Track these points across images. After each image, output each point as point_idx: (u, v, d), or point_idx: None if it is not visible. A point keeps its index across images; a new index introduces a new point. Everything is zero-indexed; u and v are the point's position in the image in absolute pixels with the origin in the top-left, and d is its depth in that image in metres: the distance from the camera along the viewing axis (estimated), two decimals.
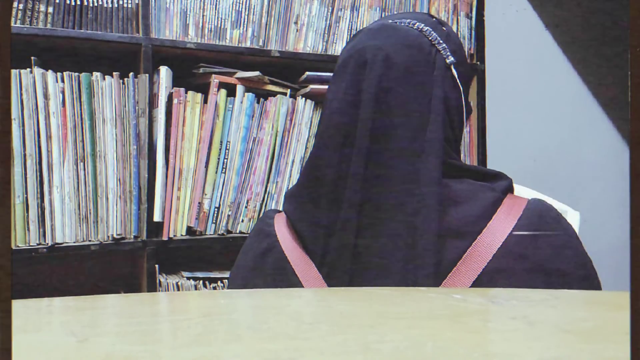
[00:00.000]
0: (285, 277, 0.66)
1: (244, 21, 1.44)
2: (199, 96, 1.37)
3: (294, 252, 0.67)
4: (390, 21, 0.72)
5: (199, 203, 1.37)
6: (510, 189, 0.68)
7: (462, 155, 1.65)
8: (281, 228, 0.70)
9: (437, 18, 0.76)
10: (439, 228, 0.61)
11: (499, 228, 0.62)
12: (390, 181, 0.64)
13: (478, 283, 0.60)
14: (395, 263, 0.62)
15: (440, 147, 0.65)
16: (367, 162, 0.64)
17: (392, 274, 0.62)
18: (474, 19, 1.69)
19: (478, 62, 1.67)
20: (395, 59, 0.66)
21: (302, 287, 0.64)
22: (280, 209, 0.76)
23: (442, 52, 0.69)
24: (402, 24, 0.71)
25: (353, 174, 0.64)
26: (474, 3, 1.69)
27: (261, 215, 0.78)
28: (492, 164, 1.70)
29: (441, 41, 0.70)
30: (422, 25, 0.70)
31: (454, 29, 1.65)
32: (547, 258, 0.62)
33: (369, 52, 0.67)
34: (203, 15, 1.40)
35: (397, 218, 0.63)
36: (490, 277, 0.60)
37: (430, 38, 0.69)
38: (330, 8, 1.52)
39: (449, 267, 0.61)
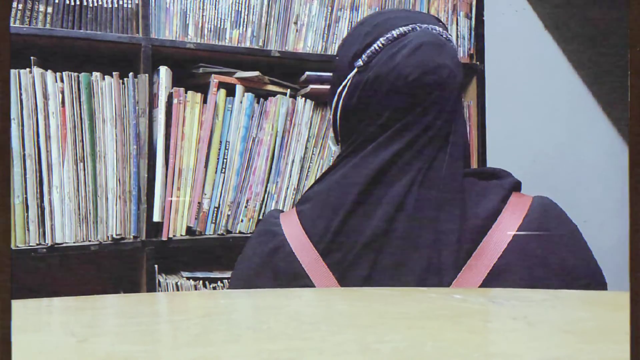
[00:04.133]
0: (294, 277, 0.66)
1: (244, 21, 1.44)
2: (198, 96, 1.37)
3: (303, 251, 0.67)
4: (436, 32, 0.73)
5: (199, 203, 1.37)
6: (517, 187, 0.70)
7: None
8: (289, 228, 0.70)
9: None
10: (460, 225, 0.64)
11: (507, 225, 0.64)
12: (420, 184, 0.67)
13: (489, 279, 0.62)
14: (416, 261, 0.64)
15: (462, 151, 0.70)
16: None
17: (411, 273, 0.64)
18: (473, 19, 1.69)
19: (478, 62, 1.67)
20: (456, 79, 0.72)
21: (314, 286, 0.65)
22: (281, 208, 0.76)
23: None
24: (446, 38, 0.74)
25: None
26: (474, 3, 1.69)
27: (263, 216, 0.78)
28: (491, 164, 1.70)
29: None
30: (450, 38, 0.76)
31: (453, 29, 1.65)
32: (553, 253, 0.64)
33: (442, 71, 0.69)
34: (203, 16, 1.40)
35: (419, 217, 0.65)
36: (499, 273, 0.62)
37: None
38: (329, 8, 1.52)
39: (462, 263, 0.63)
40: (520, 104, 2.04)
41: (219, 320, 0.41)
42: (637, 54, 0.20)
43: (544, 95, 2.09)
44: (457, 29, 1.66)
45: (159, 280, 1.32)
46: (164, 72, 1.34)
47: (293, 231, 0.69)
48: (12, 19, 1.21)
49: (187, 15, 1.38)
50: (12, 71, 1.19)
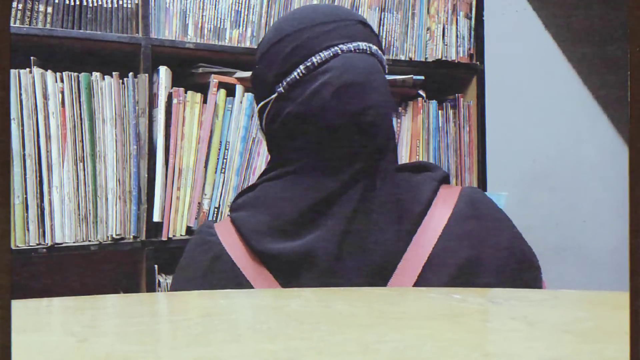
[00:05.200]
0: (236, 286, 0.66)
1: (243, 21, 1.44)
2: (198, 96, 1.37)
3: (243, 259, 0.68)
4: (360, 52, 0.71)
5: (199, 203, 1.37)
6: (446, 179, 0.73)
7: (461, 156, 1.65)
8: (226, 237, 0.70)
9: (369, 24, 0.77)
10: (395, 218, 0.67)
11: (438, 215, 0.68)
12: (350, 183, 0.69)
13: (427, 267, 0.65)
14: (358, 263, 0.66)
15: (393, 149, 0.73)
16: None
17: (355, 274, 0.66)
18: (473, 19, 1.69)
19: (478, 62, 1.68)
20: (385, 115, 0.71)
21: None
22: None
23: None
24: (372, 53, 0.73)
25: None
26: (474, 3, 1.69)
27: (196, 229, 0.79)
28: (491, 164, 1.70)
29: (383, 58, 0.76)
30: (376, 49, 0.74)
31: (453, 29, 1.65)
32: (485, 235, 0.68)
33: (368, 115, 0.69)
34: (202, 16, 1.40)
35: (355, 215, 0.67)
36: (437, 260, 0.65)
37: (381, 61, 0.75)
38: None
39: (399, 254, 0.66)
40: (520, 104, 2.04)
41: (219, 320, 0.41)
42: (637, 54, 0.20)
43: (544, 95, 2.09)
44: (457, 29, 1.66)
45: (159, 280, 1.32)
46: (163, 72, 1.34)
47: (231, 240, 0.69)
48: (12, 19, 1.21)
49: (187, 15, 1.38)
50: (12, 71, 1.19)
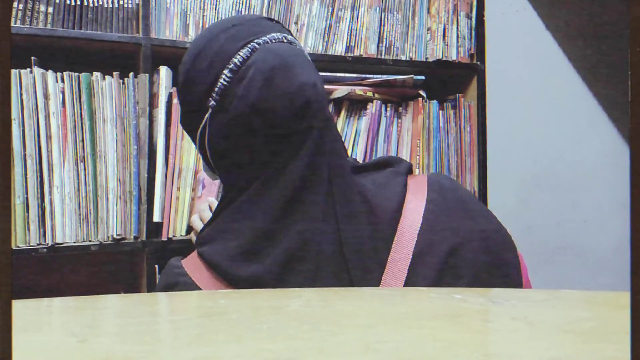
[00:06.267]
0: None
1: None
2: None
3: (214, 289, 0.66)
4: (276, 41, 0.71)
5: None
6: (410, 170, 0.74)
7: (462, 156, 1.65)
8: (197, 273, 0.68)
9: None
10: (367, 220, 0.66)
11: (413, 207, 0.68)
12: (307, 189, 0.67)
13: (414, 261, 0.65)
14: (338, 270, 0.65)
15: (342, 147, 0.71)
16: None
17: (339, 282, 0.65)
18: (474, 19, 1.69)
19: (478, 62, 1.67)
20: (318, 87, 0.70)
21: None
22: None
23: None
24: (288, 41, 0.73)
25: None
26: (474, 3, 1.69)
27: (163, 269, 0.77)
28: (492, 164, 1.70)
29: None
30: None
31: (454, 29, 1.65)
32: (462, 222, 0.68)
33: (306, 91, 0.68)
34: (203, 16, 1.40)
35: (322, 222, 0.66)
36: (423, 253, 0.65)
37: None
38: (330, 8, 1.52)
39: (381, 262, 0.65)
40: (521, 104, 2.04)
41: (219, 320, 0.41)
42: (637, 54, 0.20)
43: (544, 95, 2.09)
44: (457, 28, 1.66)
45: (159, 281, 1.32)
46: (164, 72, 1.34)
47: (202, 275, 0.68)
48: (13, 19, 1.21)
49: (188, 15, 1.38)
50: (13, 71, 1.19)
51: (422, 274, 0.64)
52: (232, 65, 0.68)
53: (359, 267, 0.65)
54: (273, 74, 0.66)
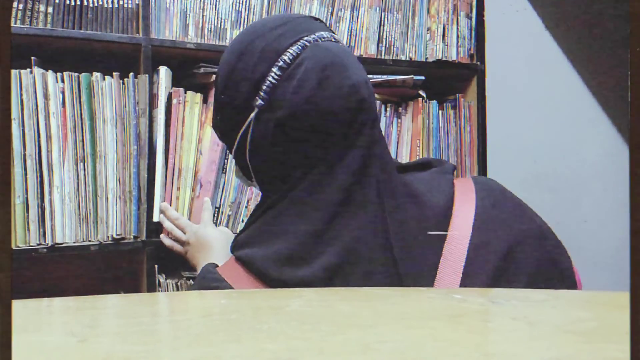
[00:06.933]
0: None
1: (244, 21, 1.44)
2: (198, 96, 1.37)
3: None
4: (326, 39, 0.69)
5: None
6: (454, 170, 0.73)
7: (462, 156, 1.65)
8: (236, 280, 0.65)
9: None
10: (417, 220, 0.65)
11: (464, 207, 0.66)
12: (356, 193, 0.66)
13: (468, 261, 0.63)
14: (389, 269, 0.64)
15: (387, 147, 0.70)
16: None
17: (374, 280, 0.63)
18: (474, 19, 1.69)
19: (478, 62, 1.67)
20: (369, 84, 0.70)
21: None
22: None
23: None
24: (336, 40, 0.72)
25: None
26: (474, 3, 1.69)
27: (197, 278, 0.73)
28: (492, 165, 1.70)
29: None
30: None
31: (454, 29, 1.65)
32: (514, 223, 0.67)
33: (361, 89, 0.67)
34: (203, 16, 1.40)
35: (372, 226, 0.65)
36: (477, 257, 0.63)
37: None
38: (330, 8, 1.52)
39: (434, 263, 0.64)
40: (521, 104, 2.04)
41: (219, 320, 0.41)
42: (637, 54, 0.20)
43: (544, 96, 2.09)
44: (457, 29, 1.66)
45: (159, 280, 1.32)
46: (163, 72, 1.34)
47: (241, 280, 0.64)
48: (13, 19, 1.21)
49: (188, 16, 1.38)
50: (13, 71, 1.19)
51: (478, 273, 0.62)
52: (281, 62, 0.65)
53: (410, 269, 0.63)
54: (327, 72, 0.64)
